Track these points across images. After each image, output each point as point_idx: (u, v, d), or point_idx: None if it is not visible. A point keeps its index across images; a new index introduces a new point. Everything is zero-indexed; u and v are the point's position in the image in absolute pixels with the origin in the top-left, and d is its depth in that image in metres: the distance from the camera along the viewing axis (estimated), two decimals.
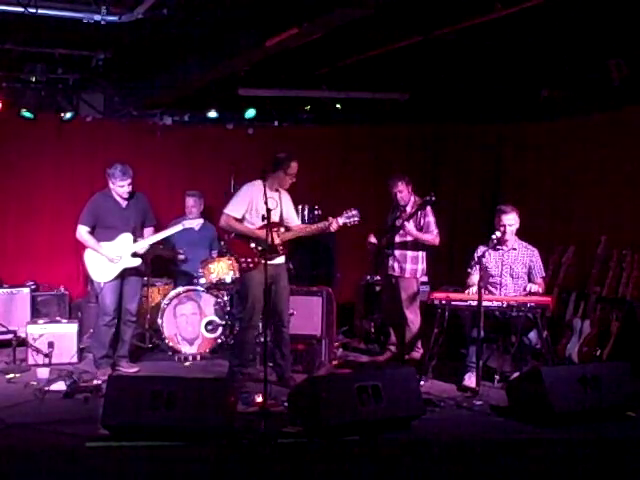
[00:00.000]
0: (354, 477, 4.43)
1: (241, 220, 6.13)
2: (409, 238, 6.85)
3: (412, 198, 6.96)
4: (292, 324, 6.68)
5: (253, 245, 6.05)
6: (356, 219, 6.11)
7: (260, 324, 6.29)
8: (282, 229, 6.16)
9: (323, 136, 9.07)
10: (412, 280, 6.97)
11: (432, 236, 6.84)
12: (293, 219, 6.33)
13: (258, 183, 6.08)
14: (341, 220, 6.09)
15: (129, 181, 6.41)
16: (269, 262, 5.62)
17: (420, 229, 6.85)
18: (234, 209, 6.14)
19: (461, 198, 9.09)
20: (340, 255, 8.63)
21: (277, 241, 6.02)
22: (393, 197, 6.94)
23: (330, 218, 6.15)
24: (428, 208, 6.84)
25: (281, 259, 6.21)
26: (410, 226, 6.76)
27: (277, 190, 6.17)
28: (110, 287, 6.46)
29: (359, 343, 8.03)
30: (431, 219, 6.85)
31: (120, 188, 6.42)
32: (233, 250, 6.42)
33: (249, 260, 6.01)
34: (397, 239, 6.88)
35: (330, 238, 7.97)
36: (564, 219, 7.97)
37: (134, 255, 6.51)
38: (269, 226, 5.54)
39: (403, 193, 6.92)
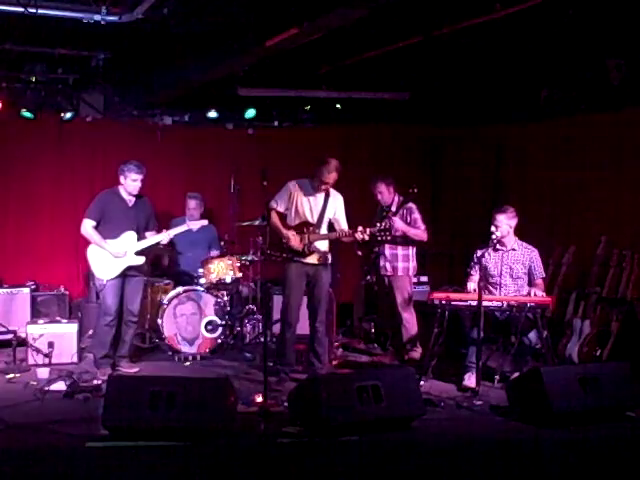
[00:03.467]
0: (354, 477, 4.43)
1: (280, 213, 6.35)
2: (398, 233, 6.84)
3: (396, 198, 7.00)
4: None
5: (284, 241, 6.25)
6: (388, 237, 6.24)
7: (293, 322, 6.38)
8: (316, 230, 6.29)
9: (323, 136, 9.07)
10: (405, 278, 6.98)
11: (420, 231, 6.86)
12: (339, 222, 6.44)
13: (299, 182, 6.34)
14: (368, 230, 6.15)
15: (142, 177, 6.46)
16: (304, 260, 6.20)
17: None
18: (276, 202, 6.36)
19: (461, 198, 9.10)
20: (340, 255, 8.62)
21: (305, 241, 6.21)
22: (375, 198, 7.02)
23: (360, 227, 6.17)
24: (414, 206, 6.89)
25: (314, 258, 6.32)
26: (398, 221, 6.77)
27: (322, 191, 6.30)
28: (112, 286, 6.45)
29: (359, 343, 8.02)
30: (417, 216, 6.89)
31: (133, 182, 6.43)
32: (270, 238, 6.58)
33: (277, 254, 6.23)
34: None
35: None
36: (564, 219, 7.97)
37: (137, 254, 6.52)
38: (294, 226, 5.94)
39: (384, 194, 6.99)
